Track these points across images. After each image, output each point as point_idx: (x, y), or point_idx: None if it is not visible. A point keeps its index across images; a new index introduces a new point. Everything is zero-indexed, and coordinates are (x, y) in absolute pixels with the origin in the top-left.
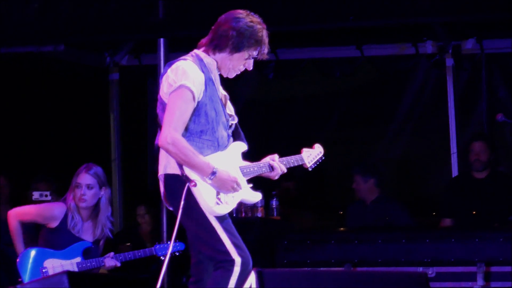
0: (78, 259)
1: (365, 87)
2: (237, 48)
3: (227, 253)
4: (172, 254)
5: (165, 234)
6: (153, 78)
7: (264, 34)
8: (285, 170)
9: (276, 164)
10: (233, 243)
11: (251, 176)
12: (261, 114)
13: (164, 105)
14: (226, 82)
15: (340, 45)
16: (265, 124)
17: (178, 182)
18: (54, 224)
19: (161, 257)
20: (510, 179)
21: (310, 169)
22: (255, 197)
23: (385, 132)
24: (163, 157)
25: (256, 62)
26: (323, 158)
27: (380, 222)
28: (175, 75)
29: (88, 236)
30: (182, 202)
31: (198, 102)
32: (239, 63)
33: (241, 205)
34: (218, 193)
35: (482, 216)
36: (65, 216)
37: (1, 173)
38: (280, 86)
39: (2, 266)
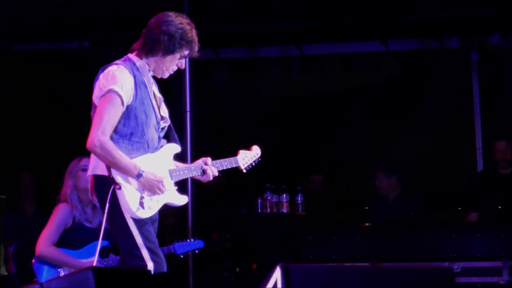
0: (95, 259)
1: (390, 81)
2: (169, 51)
3: (141, 258)
4: (192, 252)
5: (190, 230)
6: (177, 74)
7: (193, 33)
8: (217, 174)
9: (208, 168)
10: (147, 248)
11: (180, 178)
12: (286, 109)
13: (96, 109)
14: (250, 79)
15: (365, 40)
16: (290, 120)
17: (106, 184)
18: (69, 224)
19: (180, 255)
20: None
21: (244, 171)
22: (181, 200)
23: (409, 126)
24: (93, 158)
25: (282, 58)
26: (260, 159)
27: (403, 219)
28: (105, 80)
29: (100, 216)
30: (107, 204)
31: (128, 106)
32: (172, 64)
33: (266, 200)
34: (142, 197)
35: (508, 210)
36: (72, 212)
37: (27, 169)
38: (305, 81)
39: (21, 263)
